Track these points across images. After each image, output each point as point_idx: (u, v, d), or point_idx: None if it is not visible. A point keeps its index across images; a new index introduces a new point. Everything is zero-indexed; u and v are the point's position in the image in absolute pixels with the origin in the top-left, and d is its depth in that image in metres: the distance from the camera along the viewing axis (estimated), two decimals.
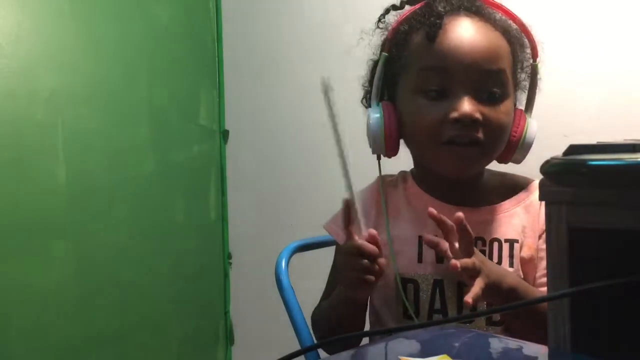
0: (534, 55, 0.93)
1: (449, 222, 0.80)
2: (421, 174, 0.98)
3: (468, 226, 0.79)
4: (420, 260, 0.91)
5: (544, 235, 0.89)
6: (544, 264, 0.91)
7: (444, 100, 0.87)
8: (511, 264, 0.90)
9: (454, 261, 0.76)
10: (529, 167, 0.92)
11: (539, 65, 0.93)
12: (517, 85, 0.94)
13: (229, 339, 2.06)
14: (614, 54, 1.37)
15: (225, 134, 2.04)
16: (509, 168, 0.99)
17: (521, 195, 0.94)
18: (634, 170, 0.47)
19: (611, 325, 0.49)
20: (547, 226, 0.52)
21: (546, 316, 0.52)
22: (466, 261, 0.77)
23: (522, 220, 0.92)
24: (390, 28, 0.94)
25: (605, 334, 0.50)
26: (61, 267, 1.61)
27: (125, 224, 1.76)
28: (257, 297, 1.96)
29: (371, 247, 0.82)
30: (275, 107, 1.94)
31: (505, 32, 0.91)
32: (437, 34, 0.87)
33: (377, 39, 0.99)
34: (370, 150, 0.96)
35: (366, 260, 0.81)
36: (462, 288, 0.87)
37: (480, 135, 0.86)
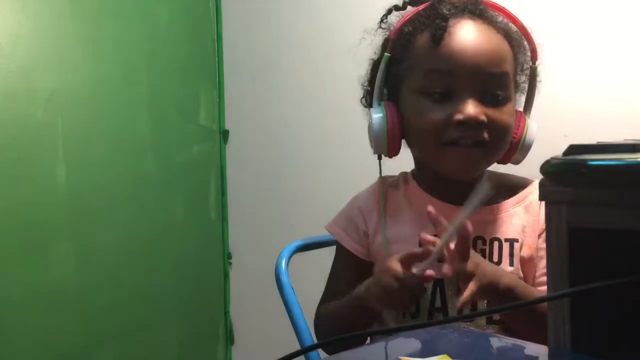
0: (534, 57, 0.94)
1: (445, 222, 0.81)
2: (422, 175, 0.98)
3: (466, 226, 0.79)
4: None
5: (543, 235, 0.89)
6: (543, 263, 0.91)
7: (448, 102, 0.87)
8: (511, 263, 0.91)
9: (445, 268, 0.77)
10: (529, 168, 0.92)
11: (539, 68, 0.94)
12: (517, 87, 0.94)
13: (229, 339, 2.06)
14: (614, 53, 1.37)
15: (225, 134, 2.04)
16: (507, 168, 0.99)
17: (521, 195, 0.95)
18: (634, 170, 0.47)
19: (611, 325, 0.49)
20: (547, 226, 0.52)
21: (546, 316, 0.52)
22: (458, 267, 0.78)
23: (522, 220, 0.93)
24: (393, 28, 0.94)
25: (605, 334, 0.50)
26: (61, 267, 1.61)
27: (125, 224, 1.76)
28: (257, 297, 1.96)
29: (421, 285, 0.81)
30: (275, 107, 1.94)
31: (507, 35, 0.91)
32: (443, 36, 0.88)
33: (379, 39, 0.99)
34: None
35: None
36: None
37: (486, 136, 0.87)
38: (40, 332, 1.56)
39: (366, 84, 1.00)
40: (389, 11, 0.99)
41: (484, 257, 0.91)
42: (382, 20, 0.99)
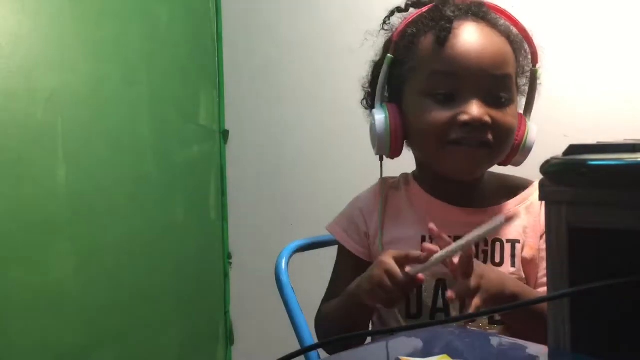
0: (534, 60, 0.94)
1: (447, 238, 0.82)
2: (423, 176, 0.98)
3: (471, 248, 0.79)
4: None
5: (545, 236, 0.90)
6: (545, 264, 0.91)
7: (453, 103, 0.87)
8: (513, 264, 0.91)
9: (449, 292, 0.77)
10: (529, 168, 0.92)
11: (539, 71, 0.94)
12: (517, 89, 0.95)
13: (229, 339, 2.06)
14: (614, 53, 1.37)
15: (225, 134, 2.04)
16: (506, 169, 1.00)
17: (522, 196, 0.95)
18: (634, 170, 0.47)
19: (611, 325, 0.49)
20: (547, 226, 0.52)
21: (547, 316, 0.52)
22: (460, 289, 0.78)
23: (523, 221, 0.93)
24: (395, 30, 0.94)
25: (605, 334, 0.50)
26: (61, 267, 1.61)
27: (125, 224, 1.76)
28: (257, 297, 1.96)
29: (411, 282, 0.81)
30: (275, 107, 1.94)
31: (508, 37, 0.92)
32: (448, 38, 0.88)
33: (380, 40, 0.99)
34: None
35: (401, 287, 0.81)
36: None
37: (490, 137, 0.87)
38: (40, 332, 1.56)
39: (367, 85, 1.00)
40: (392, 13, 0.99)
41: (486, 258, 0.91)
42: (384, 22, 0.99)
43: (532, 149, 0.94)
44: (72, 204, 1.63)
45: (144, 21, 1.82)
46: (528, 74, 0.95)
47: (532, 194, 0.95)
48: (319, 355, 1.03)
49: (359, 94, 1.02)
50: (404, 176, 1.02)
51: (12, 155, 1.51)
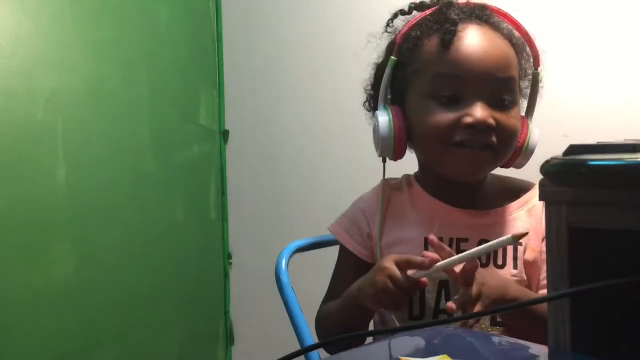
0: (536, 63, 0.95)
1: (447, 248, 0.82)
2: (426, 178, 0.99)
3: (476, 261, 0.80)
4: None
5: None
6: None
7: (456, 105, 0.88)
8: (515, 266, 0.91)
9: (449, 304, 0.78)
10: (529, 168, 0.92)
11: (541, 74, 0.95)
12: (520, 92, 0.95)
13: (229, 339, 2.06)
14: (614, 54, 1.37)
15: (225, 134, 2.04)
16: (508, 171, 1.00)
17: (524, 198, 0.95)
18: (634, 170, 0.47)
19: (611, 325, 0.49)
20: (547, 226, 0.52)
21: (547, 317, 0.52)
22: (461, 299, 0.79)
23: (525, 223, 0.93)
24: (399, 32, 0.95)
25: (605, 334, 0.50)
26: (61, 267, 1.60)
27: (125, 224, 1.76)
28: (257, 297, 1.96)
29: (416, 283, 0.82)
30: (275, 107, 1.94)
31: (511, 40, 0.92)
32: (452, 40, 0.88)
33: (383, 42, 0.99)
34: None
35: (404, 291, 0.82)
36: None
37: (494, 139, 0.87)
38: (40, 332, 1.55)
39: (369, 88, 1.00)
40: (395, 15, 0.99)
41: (488, 260, 0.91)
42: (388, 24, 0.99)
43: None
44: (72, 204, 1.63)
45: (144, 21, 1.82)
46: (530, 77, 0.96)
47: (534, 196, 0.95)
48: (318, 355, 1.03)
49: (359, 94, 1.02)
50: (406, 177, 1.02)
51: (12, 155, 1.51)
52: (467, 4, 0.94)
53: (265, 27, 1.94)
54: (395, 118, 0.92)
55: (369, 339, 0.85)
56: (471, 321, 0.80)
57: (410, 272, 0.81)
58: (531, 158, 0.94)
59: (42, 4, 1.58)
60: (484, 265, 0.90)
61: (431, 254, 0.81)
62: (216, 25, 2.02)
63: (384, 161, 0.97)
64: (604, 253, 0.49)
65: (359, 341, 0.81)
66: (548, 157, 0.52)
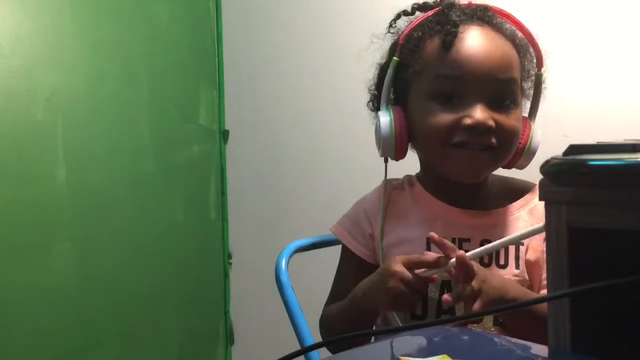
0: (539, 64, 0.95)
1: (449, 243, 0.82)
2: (428, 178, 0.99)
3: (477, 261, 0.80)
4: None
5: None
6: None
7: (457, 106, 0.88)
8: (517, 266, 0.91)
9: (445, 296, 0.79)
10: (529, 168, 0.92)
11: (544, 75, 0.95)
12: (522, 93, 0.95)
13: (229, 339, 2.06)
14: (614, 54, 1.37)
15: (225, 134, 2.04)
16: (510, 172, 1.00)
17: (525, 198, 0.95)
18: (634, 170, 0.47)
19: (611, 325, 0.49)
20: (547, 226, 0.52)
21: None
22: (459, 294, 0.79)
23: (526, 223, 0.93)
24: (401, 33, 0.95)
25: (605, 334, 0.50)
26: (61, 267, 1.60)
27: (125, 224, 1.76)
28: (257, 297, 1.96)
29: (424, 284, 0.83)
30: (275, 107, 1.94)
31: (514, 41, 0.92)
32: (453, 42, 0.88)
33: (386, 43, 0.99)
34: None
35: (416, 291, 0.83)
36: None
37: (494, 141, 0.88)
38: (40, 332, 1.55)
39: (373, 88, 1.01)
40: (398, 16, 0.99)
41: (490, 260, 0.91)
42: (391, 25, 0.99)
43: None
44: (72, 204, 1.63)
45: (143, 21, 1.82)
46: (533, 78, 0.96)
47: (536, 196, 0.95)
48: (319, 355, 1.03)
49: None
50: (408, 177, 1.02)
51: (12, 155, 1.51)
52: (469, 5, 0.94)
53: (265, 27, 1.94)
54: (396, 118, 0.92)
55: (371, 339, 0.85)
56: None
57: (417, 271, 0.82)
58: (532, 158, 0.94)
59: (42, 4, 1.58)
60: (487, 265, 0.91)
61: (432, 254, 0.81)
62: (216, 25, 2.02)
63: (385, 161, 0.97)
64: (604, 253, 0.49)
65: (361, 341, 0.81)
66: (548, 157, 0.52)
